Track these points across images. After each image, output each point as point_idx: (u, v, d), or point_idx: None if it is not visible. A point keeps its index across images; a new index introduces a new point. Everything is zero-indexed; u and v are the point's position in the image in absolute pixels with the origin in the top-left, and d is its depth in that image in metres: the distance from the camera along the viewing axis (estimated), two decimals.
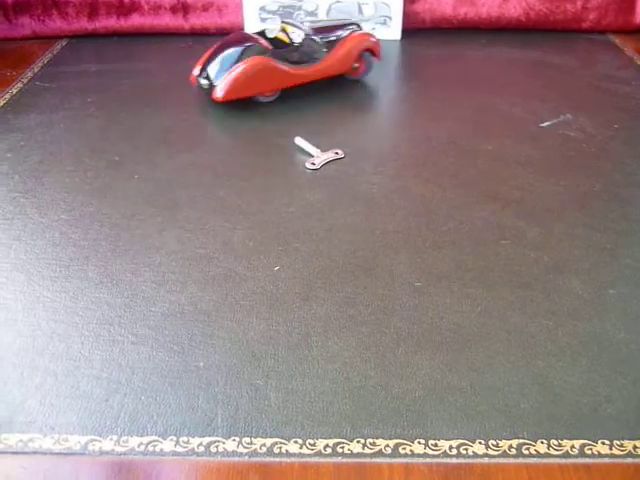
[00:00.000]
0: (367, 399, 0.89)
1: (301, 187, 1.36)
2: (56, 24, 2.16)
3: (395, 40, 2.19)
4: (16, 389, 0.90)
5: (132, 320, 1.02)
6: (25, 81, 1.86)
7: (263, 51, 1.49)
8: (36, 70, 1.93)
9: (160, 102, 1.72)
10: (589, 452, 0.82)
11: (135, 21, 2.16)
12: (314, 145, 1.48)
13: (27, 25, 2.16)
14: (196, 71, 1.57)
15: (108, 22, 2.16)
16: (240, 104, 1.65)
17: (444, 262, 1.15)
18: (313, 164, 1.43)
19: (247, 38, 1.53)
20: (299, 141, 1.48)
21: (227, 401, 0.88)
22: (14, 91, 1.79)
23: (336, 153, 1.47)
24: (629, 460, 0.81)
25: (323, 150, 1.48)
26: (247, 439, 0.83)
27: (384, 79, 1.95)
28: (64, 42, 2.16)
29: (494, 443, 0.83)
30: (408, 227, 1.24)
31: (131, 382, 0.91)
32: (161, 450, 0.82)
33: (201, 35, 2.20)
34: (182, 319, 1.01)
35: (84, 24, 2.16)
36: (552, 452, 0.82)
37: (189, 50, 2.11)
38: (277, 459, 0.81)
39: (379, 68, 1.93)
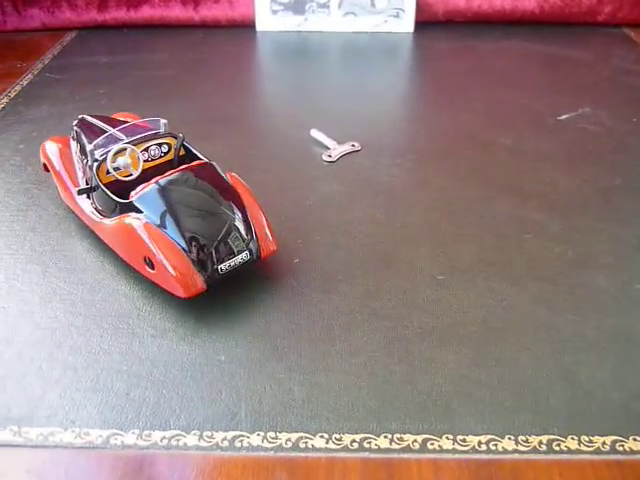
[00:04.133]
0: (393, 394, 0.87)
1: (318, 180, 1.34)
2: (65, 15, 2.14)
3: (408, 33, 2.16)
4: (35, 382, 0.88)
5: (151, 313, 1.00)
6: (35, 72, 1.84)
7: None
8: (46, 62, 1.91)
9: (171, 93, 1.70)
10: (620, 449, 0.80)
11: (145, 13, 2.14)
12: (330, 137, 1.46)
13: (36, 17, 2.14)
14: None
15: (118, 14, 2.14)
16: (253, 97, 1.63)
17: (466, 255, 1.13)
18: (330, 156, 1.41)
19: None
20: (315, 133, 1.46)
21: (250, 395, 0.86)
22: (25, 83, 1.77)
23: (352, 145, 1.45)
24: None
25: (339, 142, 1.45)
26: (272, 433, 0.81)
27: (397, 72, 1.93)
28: (73, 34, 2.14)
29: (524, 439, 0.81)
30: (429, 220, 1.22)
31: (152, 375, 0.89)
32: (185, 444, 0.80)
33: (212, 27, 2.18)
34: (202, 312, 0.99)
35: (94, 15, 2.13)
36: (583, 448, 0.80)
37: (199, 42, 2.08)
38: (303, 454, 0.79)
39: (392, 62, 1.90)
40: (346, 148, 1.43)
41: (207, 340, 0.94)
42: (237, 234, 1.00)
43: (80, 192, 1.09)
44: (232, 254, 0.99)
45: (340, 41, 2.12)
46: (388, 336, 0.96)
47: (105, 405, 0.85)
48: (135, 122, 1.16)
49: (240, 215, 1.02)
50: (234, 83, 1.81)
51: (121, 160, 1.08)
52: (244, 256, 1.00)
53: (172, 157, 1.17)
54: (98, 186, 1.06)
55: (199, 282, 0.95)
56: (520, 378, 0.89)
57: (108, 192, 1.05)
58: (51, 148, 1.23)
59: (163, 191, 1.00)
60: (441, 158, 1.42)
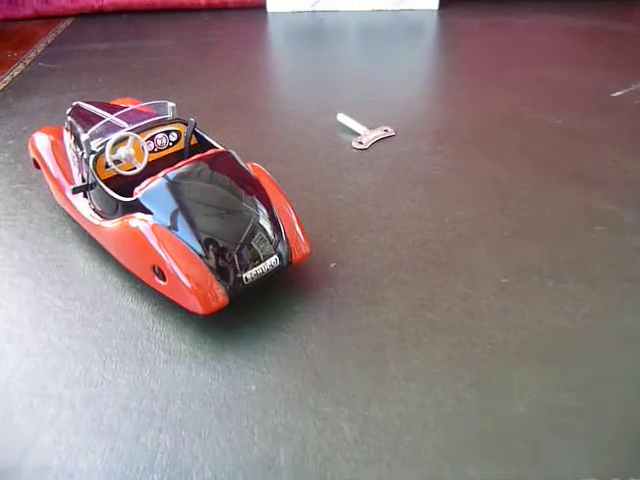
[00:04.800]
0: (466, 428, 0.70)
1: (350, 170, 1.17)
2: (60, 2, 1.98)
3: (432, 10, 1.98)
4: (25, 423, 0.72)
5: (163, 333, 0.83)
6: (27, 62, 1.67)
7: None
8: (39, 51, 1.75)
9: (178, 80, 1.53)
10: None
11: None
12: (359, 122, 1.29)
13: (29, 4, 1.98)
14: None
15: None
16: (267, 82, 1.46)
17: (531, 254, 0.95)
18: (361, 143, 1.24)
19: None
20: (342, 118, 1.29)
21: (290, 435, 0.69)
22: (15, 73, 1.61)
23: (385, 130, 1.28)
24: None
25: (370, 128, 1.28)
26: None
27: (424, 52, 1.76)
28: (69, 21, 1.98)
29: None
30: (481, 213, 1.05)
31: (167, 413, 0.72)
32: None
33: (218, 10, 2.01)
34: (225, 331, 0.83)
35: (90, 1, 1.97)
36: None
37: (205, 25, 1.91)
38: None
39: (417, 41, 1.73)
40: (378, 134, 1.26)
41: (232, 365, 0.77)
42: (263, 235, 0.83)
43: (75, 191, 0.93)
44: (258, 259, 0.82)
45: (359, 21, 1.95)
46: (452, 354, 0.78)
47: (110, 452, 0.68)
48: (137, 106, 0.99)
49: (266, 212, 0.85)
50: (246, 68, 1.65)
51: (122, 151, 0.91)
52: (273, 262, 0.83)
53: (182, 146, 1.00)
54: (96, 183, 0.89)
55: (220, 295, 0.78)
56: (618, 403, 0.72)
57: (107, 189, 0.88)
58: (41, 141, 1.06)
59: (173, 186, 0.83)
60: (486, 142, 1.25)
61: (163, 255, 0.80)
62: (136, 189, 0.86)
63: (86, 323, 0.85)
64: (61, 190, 1.01)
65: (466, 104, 1.40)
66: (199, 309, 0.79)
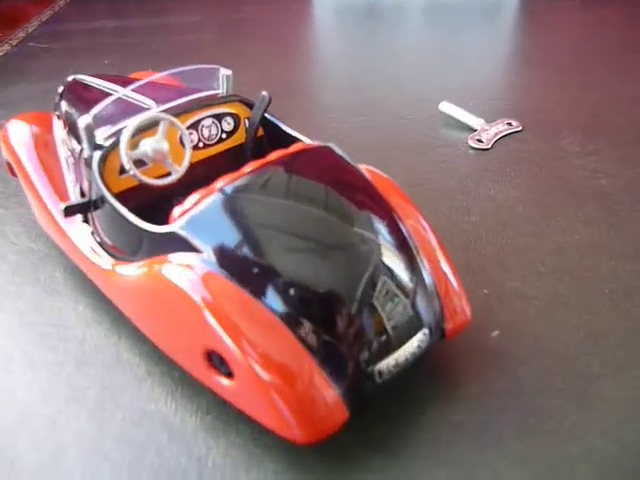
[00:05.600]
0: None
1: (476, 179, 0.79)
2: None
3: None
4: None
5: (223, 469, 0.45)
6: (14, 43, 1.30)
7: None
8: (30, 30, 1.38)
9: (212, 60, 1.15)
10: None
11: None
12: (470, 112, 0.91)
13: None
14: None
15: None
16: (327, 64, 1.09)
17: None
18: (480, 141, 0.86)
19: None
20: (447, 107, 0.91)
21: None
22: None
23: (509, 124, 0.90)
24: None
25: (488, 121, 0.90)
26: None
27: (508, 29, 1.39)
28: None
29: None
30: None
31: None
32: None
33: None
34: (330, 464, 0.45)
35: None
36: None
37: (237, 0, 1.55)
38: None
39: (497, 17, 1.36)
40: (501, 129, 0.89)
41: None
42: (395, 287, 0.45)
43: (68, 211, 0.55)
44: (398, 336, 0.44)
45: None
46: None
47: None
48: (163, 75, 0.61)
49: (398, 246, 0.47)
50: (295, 48, 1.29)
51: (148, 145, 0.54)
52: (420, 339, 0.45)
53: (243, 140, 0.62)
54: (104, 199, 0.52)
55: (333, 405, 0.41)
56: None
57: (124, 210, 0.50)
58: (19, 134, 0.69)
59: (238, 205, 0.46)
60: None
61: (225, 333, 0.42)
62: (174, 211, 0.48)
63: (90, 443, 0.47)
64: (46, 209, 0.63)
65: (605, 90, 1.03)
66: (298, 434, 0.42)
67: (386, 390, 0.47)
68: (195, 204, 0.48)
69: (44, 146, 0.67)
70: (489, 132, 0.89)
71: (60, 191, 0.63)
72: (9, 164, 0.70)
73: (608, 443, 0.47)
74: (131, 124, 0.53)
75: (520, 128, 0.91)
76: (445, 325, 0.50)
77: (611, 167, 0.82)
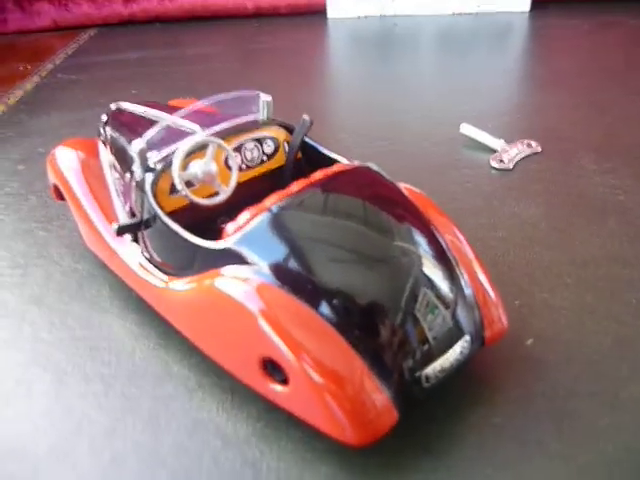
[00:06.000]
0: None
1: (500, 197, 0.82)
2: (82, 9, 1.67)
3: (522, 12, 1.66)
4: None
5: (278, 474, 0.47)
6: (44, 74, 1.35)
7: None
8: (58, 62, 1.43)
9: (233, 87, 1.19)
10: None
11: (184, 2, 1.66)
12: (489, 134, 0.94)
13: (46, 13, 1.67)
14: None
15: (149, 4, 1.66)
16: (343, 91, 1.13)
17: None
18: (502, 162, 0.89)
19: None
20: (468, 129, 0.95)
21: None
22: (29, 87, 1.29)
23: (529, 145, 0.93)
24: None
25: (508, 142, 0.94)
26: None
27: (520, 55, 1.43)
28: (92, 32, 1.67)
29: None
30: None
31: None
32: None
33: (269, 16, 1.69)
34: (381, 466, 0.47)
35: (118, 8, 1.66)
36: None
37: (255, 32, 1.60)
38: None
39: (509, 44, 1.41)
40: (521, 149, 0.92)
41: None
42: (435, 297, 0.48)
43: (121, 231, 0.58)
44: (443, 342, 0.47)
45: (436, 26, 1.63)
46: None
47: None
48: (206, 102, 0.65)
49: (438, 258, 0.50)
50: (312, 76, 1.34)
51: (198, 167, 0.57)
52: (463, 345, 0.48)
53: (282, 162, 0.65)
54: (157, 218, 0.55)
55: (384, 408, 0.44)
56: None
57: (178, 228, 0.53)
58: (66, 159, 0.72)
59: (288, 222, 0.49)
60: None
61: (280, 340, 0.45)
62: (228, 227, 0.51)
63: (147, 451, 0.49)
64: (95, 230, 0.66)
65: (618, 111, 1.06)
66: (350, 436, 0.44)
67: (431, 395, 0.49)
68: (248, 221, 0.51)
69: (90, 170, 0.71)
70: (510, 153, 0.92)
71: (107, 212, 0.67)
72: (56, 187, 0.73)
73: None
74: (182, 147, 0.56)
75: (539, 149, 0.94)
76: (485, 333, 0.52)
77: (628, 184, 0.85)
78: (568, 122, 1.03)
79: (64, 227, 0.80)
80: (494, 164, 0.90)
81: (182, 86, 1.25)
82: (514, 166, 0.90)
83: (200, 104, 0.64)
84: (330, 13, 1.66)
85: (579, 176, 0.87)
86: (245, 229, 0.50)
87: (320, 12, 1.67)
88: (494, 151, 0.93)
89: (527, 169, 0.89)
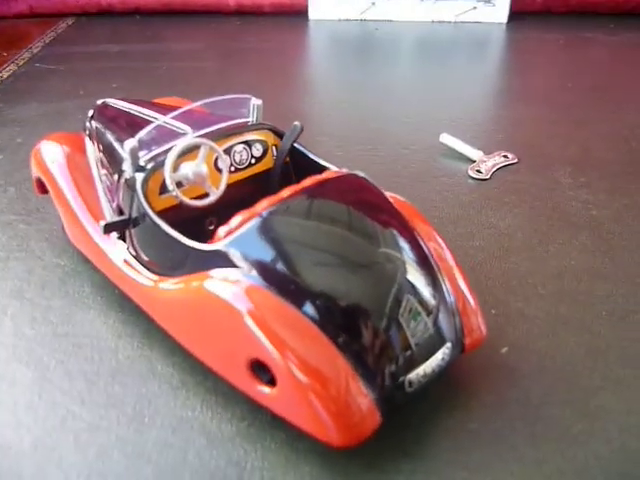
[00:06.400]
0: None
1: (477, 207, 0.84)
2: None
3: (500, 23, 1.70)
4: None
5: (266, 476, 0.48)
6: (20, 63, 1.33)
7: None
8: (35, 51, 1.41)
9: (216, 86, 1.20)
10: None
11: None
12: (467, 144, 0.97)
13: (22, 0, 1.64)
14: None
15: None
16: (331, 92, 1.14)
17: None
18: (479, 172, 0.92)
19: None
20: (447, 139, 0.97)
21: None
22: (5, 75, 1.27)
23: (505, 157, 0.96)
24: None
25: (485, 152, 0.96)
26: None
27: (498, 67, 1.47)
28: (70, 21, 1.65)
29: None
30: None
31: None
32: None
33: (251, 15, 1.70)
34: (368, 467, 0.49)
35: None
36: None
37: (237, 30, 1.60)
38: None
39: (487, 55, 1.44)
40: (498, 160, 0.95)
41: None
42: (417, 303, 0.50)
43: (108, 228, 0.58)
44: (425, 348, 0.49)
45: (415, 32, 1.65)
46: None
47: None
48: (196, 105, 0.65)
49: (421, 264, 0.52)
50: (294, 78, 1.35)
51: (189, 168, 0.58)
52: (445, 352, 0.50)
53: (270, 165, 0.66)
54: (146, 216, 0.55)
55: (368, 411, 0.45)
56: None
57: (170, 230, 0.54)
58: (51, 153, 0.72)
59: (276, 227, 0.51)
60: None
61: (268, 340, 0.46)
62: (220, 230, 0.52)
63: (131, 447, 0.50)
64: (81, 226, 0.66)
65: (594, 127, 1.10)
66: (335, 437, 0.45)
67: (411, 400, 0.51)
68: (240, 225, 0.51)
69: (76, 165, 0.71)
70: (487, 163, 0.94)
71: (93, 208, 0.67)
72: (39, 181, 0.73)
73: (612, 450, 0.51)
74: (175, 148, 0.57)
75: (516, 160, 0.97)
76: (465, 340, 0.54)
77: (601, 198, 0.88)
78: (544, 136, 1.06)
79: (45, 220, 0.80)
80: (472, 174, 0.92)
81: (163, 82, 1.25)
82: (491, 176, 0.92)
83: (191, 105, 0.64)
84: (311, 14, 1.67)
85: (554, 189, 0.90)
86: (237, 233, 0.51)
87: (303, 12, 1.68)
88: (472, 161, 0.95)
89: (504, 180, 0.92)
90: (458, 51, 1.57)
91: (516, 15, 1.72)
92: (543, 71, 1.43)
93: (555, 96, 1.26)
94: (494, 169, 0.94)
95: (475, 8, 1.66)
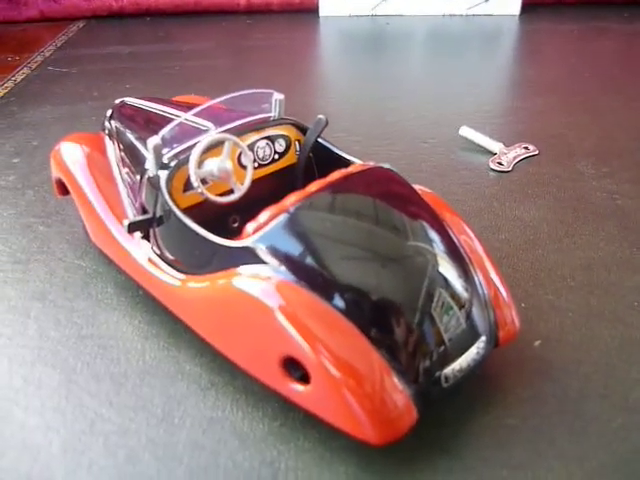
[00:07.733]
0: None
1: (501, 200, 0.83)
2: (71, 1, 1.64)
3: (513, 16, 1.68)
4: None
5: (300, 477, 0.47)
6: (33, 67, 1.33)
7: None
8: (47, 54, 1.41)
9: (230, 83, 1.19)
10: None
11: None
12: (488, 136, 0.96)
13: (32, 3, 1.64)
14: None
15: None
16: (344, 88, 1.13)
17: None
18: (500, 164, 0.90)
19: None
20: (467, 132, 0.96)
21: None
22: (18, 78, 1.26)
23: (526, 148, 0.95)
24: None
25: (505, 144, 0.95)
26: None
27: (512, 58, 1.45)
28: (81, 24, 1.64)
29: None
30: None
31: None
32: None
33: (261, 13, 1.69)
34: (398, 464, 0.48)
35: (108, 1, 1.64)
36: None
37: (247, 28, 1.59)
38: None
39: (500, 47, 1.42)
40: (519, 152, 0.93)
41: None
42: (450, 297, 0.48)
43: (132, 227, 0.57)
44: (460, 343, 0.48)
45: (427, 26, 1.64)
46: None
47: None
48: (217, 101, 0.64)
49: (453, 257, 0.51)
50: (307, 75, 1.34)
51: (213, 164, 0.57)
52: (480, 346, 0.48)
53: (293, 160, 0.65)
54: (172, 214, 0.54)
55: (404, 407, 0.44)
56: None
57: (196, 226, 0.53)
58: (72, 153, 0.71)
59: (305, 222, 0.49)
60: None
61: (300, 336, 0.45)
62: (248, 227, 0.51)
63: (162, 449, 0.49)
64: (103, 226, 0.65)
65: (614, 117, 1.09)
66: (371, 435, 0.44)
67: (446, 396, 0.50)
68: (268, 221, 0.50)
69: (96, 165, 0.70)
70: (508, 155, 0.93)
71: (115, 208, 0.66)
72: (60, 182, 0.72)
73: None
74: (199, 144, 0.56)
75: (537, 152, 0.95)
76: (499, 334, 0.53)
77: (626, 188, 0.86)
78: (564, 126, 1.05)
79: (65, 222, 0.79)
80: (493, 166, 0.91)
81: (177, 81, 1.24)
82: (513, 168, 0.91)
83: (213, 101, 0.63)
84: (322, 11, 1.66)
85: (577, 180, 0.88)
86: (265, 229, 0.50)
87: (312, 10, 1.67)
88: (492, 154, 0.94)
89: (525, 172, 0.91)
90: (471, 44, 1.55)
91: (528, 7, 1.70)
92: (558, 62, 1.42)
93: (572, 86, 1.24)
94: (515, 161, 0.92)
95: (487, 1, 1.65)
